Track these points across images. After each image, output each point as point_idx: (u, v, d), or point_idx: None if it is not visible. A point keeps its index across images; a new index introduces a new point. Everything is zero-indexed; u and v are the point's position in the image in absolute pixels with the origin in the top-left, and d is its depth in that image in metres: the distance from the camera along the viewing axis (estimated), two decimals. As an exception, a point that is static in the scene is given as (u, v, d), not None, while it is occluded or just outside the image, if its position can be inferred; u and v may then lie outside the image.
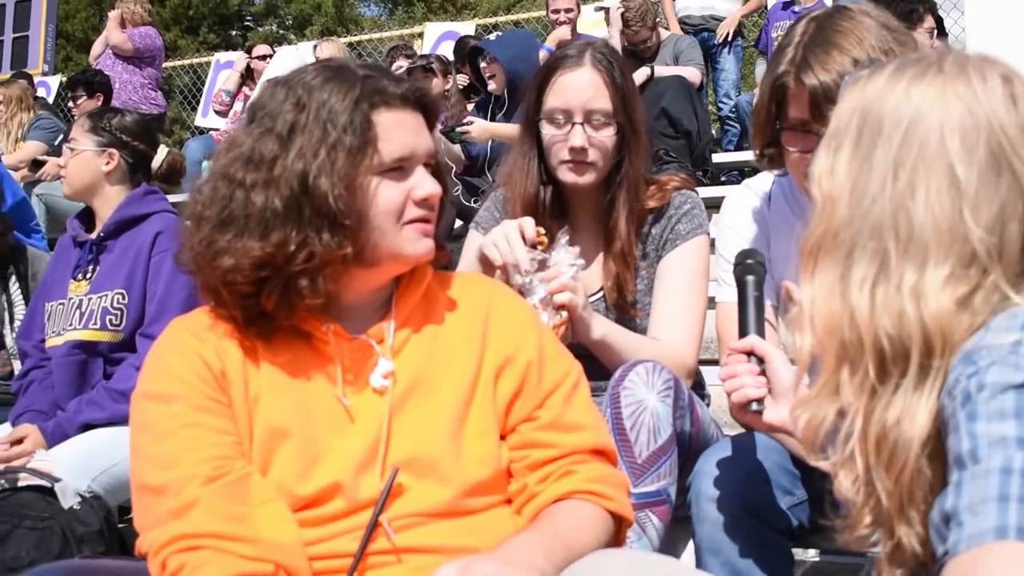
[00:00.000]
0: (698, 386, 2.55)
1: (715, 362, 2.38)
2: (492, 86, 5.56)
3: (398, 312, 1.68)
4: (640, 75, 5.95)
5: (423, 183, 1.64)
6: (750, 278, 1.91)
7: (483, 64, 5.65)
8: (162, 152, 3.40)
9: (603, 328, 2.33)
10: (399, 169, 1.63)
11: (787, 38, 2.08)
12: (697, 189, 2.65)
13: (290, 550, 1.50)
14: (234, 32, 26.68)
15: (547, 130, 2.45)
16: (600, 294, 2.53)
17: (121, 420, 2.83)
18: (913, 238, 1.15)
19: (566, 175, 2.45)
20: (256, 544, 1.47)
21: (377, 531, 1.54)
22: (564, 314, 2.21)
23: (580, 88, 2.43)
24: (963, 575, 0.95)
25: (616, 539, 1.68)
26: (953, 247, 1.13)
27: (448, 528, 1.58)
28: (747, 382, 1.78)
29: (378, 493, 1.55)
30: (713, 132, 7.40)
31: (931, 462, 1.13)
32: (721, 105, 7.86)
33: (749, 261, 1.94)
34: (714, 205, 2.56)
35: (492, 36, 5.71)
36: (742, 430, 2.14)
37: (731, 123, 7.68)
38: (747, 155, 7.41)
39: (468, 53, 6.11)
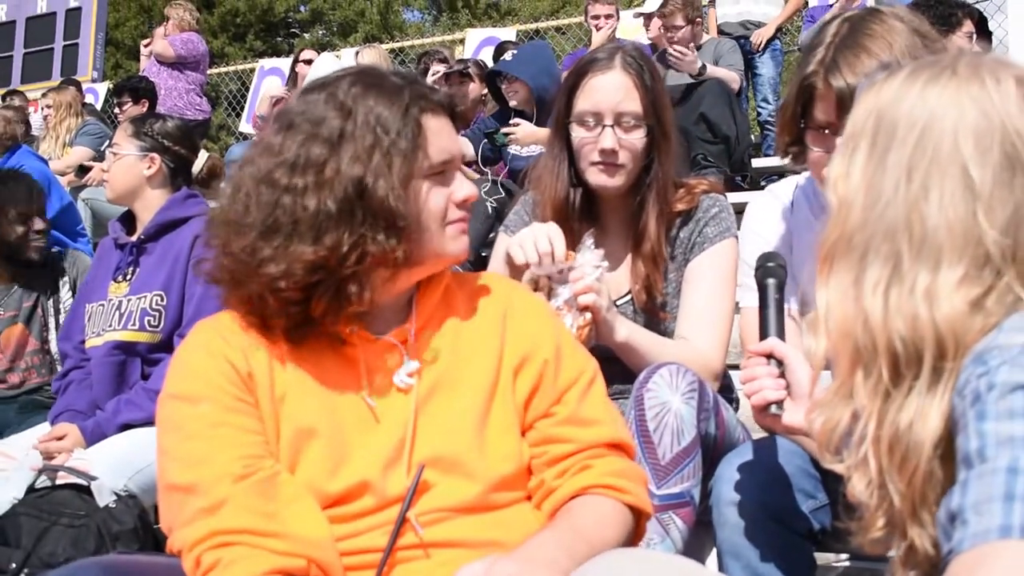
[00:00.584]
0: (726, 389, 2.55)
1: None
2: (514, 102, 5.58)
3: (419, 313, 1.72)
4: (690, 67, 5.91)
5: (463, 185, 1.71)
6: (771, 281, 1.91)
7: (504, 85, 5.68)
8: (202, 157, 3.48)
9: (627, 330, 2.34)
10: (441, 173, 1.68)
11: (819, 37, 2.08)
12: (730, 193, 2.65)
13: (322, 545, 1.53)
14: (280, 39, 26.94)
15: (577, 132, 2.47)
16: (628, 297, 2.54)
17: (158, 420, 2.87)
18: (927, 240, 1.15)
19: (596, 178, 2.47)
20: (288, 540, 1.50)
21: (405, 526, 1.57)
22: (588, 316, 2.22)
23: (610, 90, 2.44)
24: (966, 573, 0.96)
25: (636, 532, 1.70)
26: (967, 249, 1.13)
27: (474, 523, 1.60)
28: (766, 384, 1.78)
29: (405, 490, 1.58)
30: (752, 137, 7.35)
31: (943, 464, 1.13)
32: (760, 109, 7.80)
33: (770, 264, 1.94)
34: (754, 211, 2.56)
35: (508, 56, 5.69)
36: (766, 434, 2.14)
37: (771, 127, 7.62)
38: (787, 160, 7.36)
39: (486, 77, 6.14)
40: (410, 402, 1.65)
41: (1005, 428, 1.01)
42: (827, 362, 1.26)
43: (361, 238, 1.57)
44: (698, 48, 6.56)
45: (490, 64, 7.26)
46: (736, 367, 2.55)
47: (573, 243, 2.35)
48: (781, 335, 1.85)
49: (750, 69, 7.44)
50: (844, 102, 1.95)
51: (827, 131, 2.03)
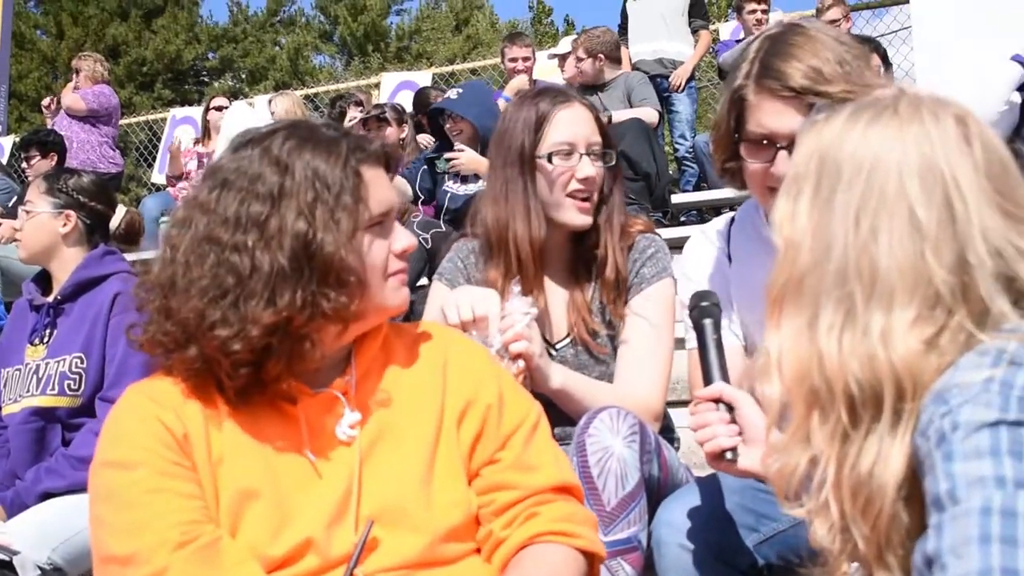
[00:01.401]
0: (667, 429, 2.54)
1: (684, 403, 2.38)
2: (459, 143, 5.58)
3: (358, 364, 1.69)
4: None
5: (401, 235, 1.70)
6: (707, 321, 1.89)
7: (448, 125, 5.68)
8: (120, 212, 3.37)
9: (562, 377, 2.32)
10: (380, 223, 1.66)
11: (742, 55, 2.11)
12: (659, 232, 2.66)
13: None
14: (189, 87, 26.66)
15: (555, 163, 2.43)
16: (568, 339, 2.52)
17: (81, 488, 2.76)
18: (878, 282, 1.15)
19: (572, 215, 2.44)
20: None
21: None
22: (521, 363, 2.20)
23: (580, 122, 2.46)
24: None
25: (590, 574, 1.68)
26: (917, 289, 1.14)
27: None
28: (719, 431, 1.76)
29: (352, 547, 1.54)
30: (671, 173, 7.47)
31: (907, 505, 1.12)
32: (677, 146, 7.92)
33: (704, 304, 1.93)
34: (676, 246, 2.58)
35: (452, 94, 5.71)
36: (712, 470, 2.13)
37: (688, 163, 7.74)
38: (706, 195, 7.48)
39: (428, 115, 6.14)
40: (354, 454, 1.61)
41: (973, 468, 1.01)
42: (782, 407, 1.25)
43: (313, 295, 1.54)
44: (603, 87, 6.68)
45: (408, 108, 7.26)
46: (675, 404, 2.55)
47: (539, 286, 2.37)
48: (725, 376, 1.83)
49: (666, 106, 7.55)
50: (779, 107, 2.00)
51: (764, 142, 2.06)
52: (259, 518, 1.55)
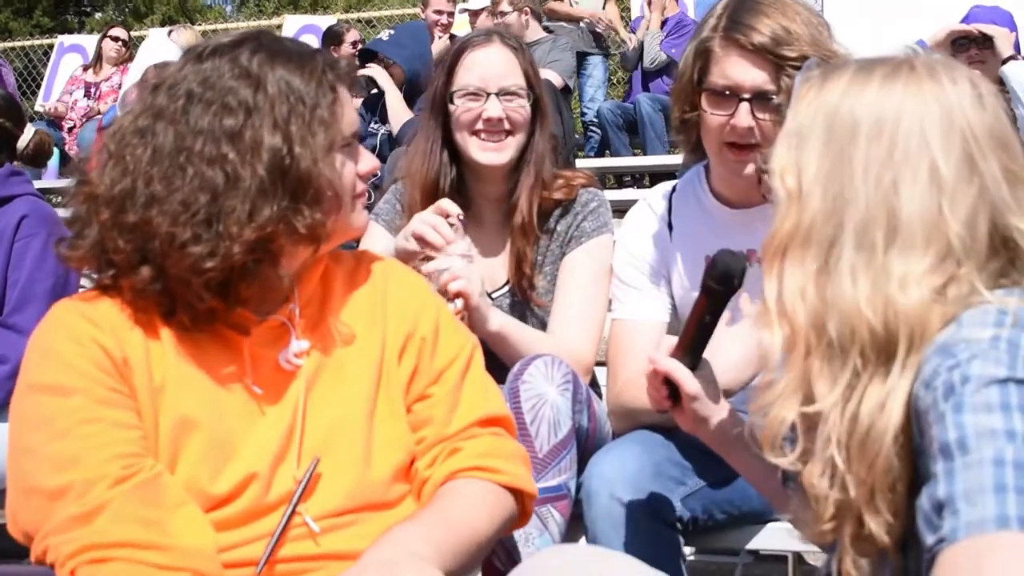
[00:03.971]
0: (594, 385, 2.56)
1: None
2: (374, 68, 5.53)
3: (300, 292, 1.62)
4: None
5: (366, 157, 1.66)
6: (720, 290, 1.66)
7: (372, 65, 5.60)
8: (29, 132, 3.21)
9: (500, 321, 2.33)
10: (350, 144, 1.62)
11: (709, 13, 2.14)
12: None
13: (207, 556, 1.43)
14: (70, 16, 25.49)
15: (460, 104, 2.42)
16: (506, 288, 2.52)
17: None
18: (900, 229, 1.18)
19: (482, 154, 2.43)
20: (171, 552, 1.39)
21: (294, 529, 1.49)
22: (459, 303, 2.20)
23: (493, 63, 2.44)
24: (970, 563, 0.97)
25: (521, 512, 1.67)
26: (932, 240, 1.17)
27: (366, 529, 1.52)
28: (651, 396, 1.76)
29: (296, 483, 1.51)
30: (577, 137, 7.50)
31: (899, 452, 1.15)
32: (586, 110, 7.98)
33: (731, 274, 1.65)
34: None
35: (384, 35, 5.63)
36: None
37: (594, 129, 7.80)
38: (608, 162, 7.55)
39: (359, 56, 6.05)
40: (299, 386, 1.57)
41: (984, 420, 1.04)
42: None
43: (289, 212, 1.49)
44: (530, 44, 6.66)
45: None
46: (603, 364, 2.57)
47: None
48: (698, 354, 1.72)
49: (580, 69, 7.59)
50: (746, 60, 2.03)
51: (727, 93, 2.08)
52: (200, 451, 1.49)
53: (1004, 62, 3.78)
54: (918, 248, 1.17)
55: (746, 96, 2.06)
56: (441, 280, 2.18)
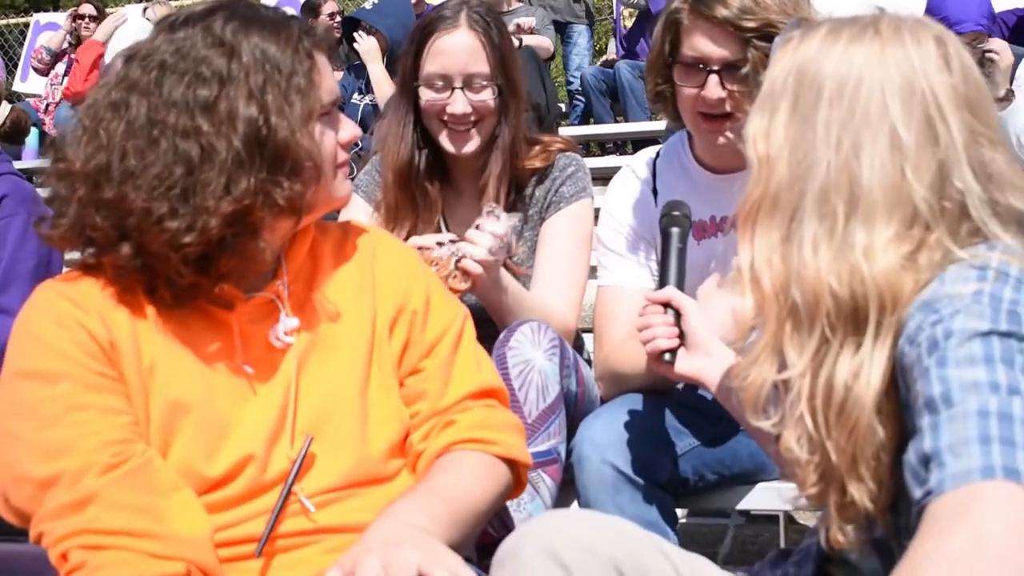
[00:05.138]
0: (578, 350, 2.56)
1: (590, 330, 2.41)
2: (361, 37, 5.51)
3: (289, 267, 1.60)
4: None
5: (346, 125, 1.63)
6: (675, 230, 1.92)
7: (361, 33, 5.56)
8: (4, 109, 3.19)
9: (513, 289, 2.30)
10: (329, 113, 1.59)
11: None
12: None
13: (202, 544, 1.42)
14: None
15: (426, 95, 2.39)
16: None
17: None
18: (861, 198, 1.18)
19: (449, 144, 2.41)
20: (165, 540, 1.39)
21: (290, 506, 1.48)
22: (468, 283, 2.17)
23: (458, 52, 2.38)
24: (957, 513, 0.97)
25: (516, 482, 1.67)
26: (897, 207, 1.17)
27: (362, 504, 1.52)
28: (660, 333, 1.79)
29: (291, 463, 1.49)
30: (562, 106, 7.47)
31: (883, 419, 1.16)
32: (572, 79, 7.94)
33: (675, 213, 1.95)
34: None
35: (368, 4, 5.60)
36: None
37: (579, 98, 7.76)
38: (590, 129, 7.53)
39: (343, 24, 6.03)
40: (290, 364, 1.55)
41: (968, 373, 1.04)
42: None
43: (268, 184, 1.46)
44: (505, 14, 6.61)
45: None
46: (587, 332, 2.57)
47: (427, 207, 2.38)
48: (681, 284, 1.86)
49: (564, 37, 7.55)
50: (717, 29, 2.02)
51: (698, 65, 2.08)
52: (193, 434, 1.48)
53: None
54: (880, 217, 1.17)
55: (714, 68, 2.07)
56: (459, 255, 2.15)
